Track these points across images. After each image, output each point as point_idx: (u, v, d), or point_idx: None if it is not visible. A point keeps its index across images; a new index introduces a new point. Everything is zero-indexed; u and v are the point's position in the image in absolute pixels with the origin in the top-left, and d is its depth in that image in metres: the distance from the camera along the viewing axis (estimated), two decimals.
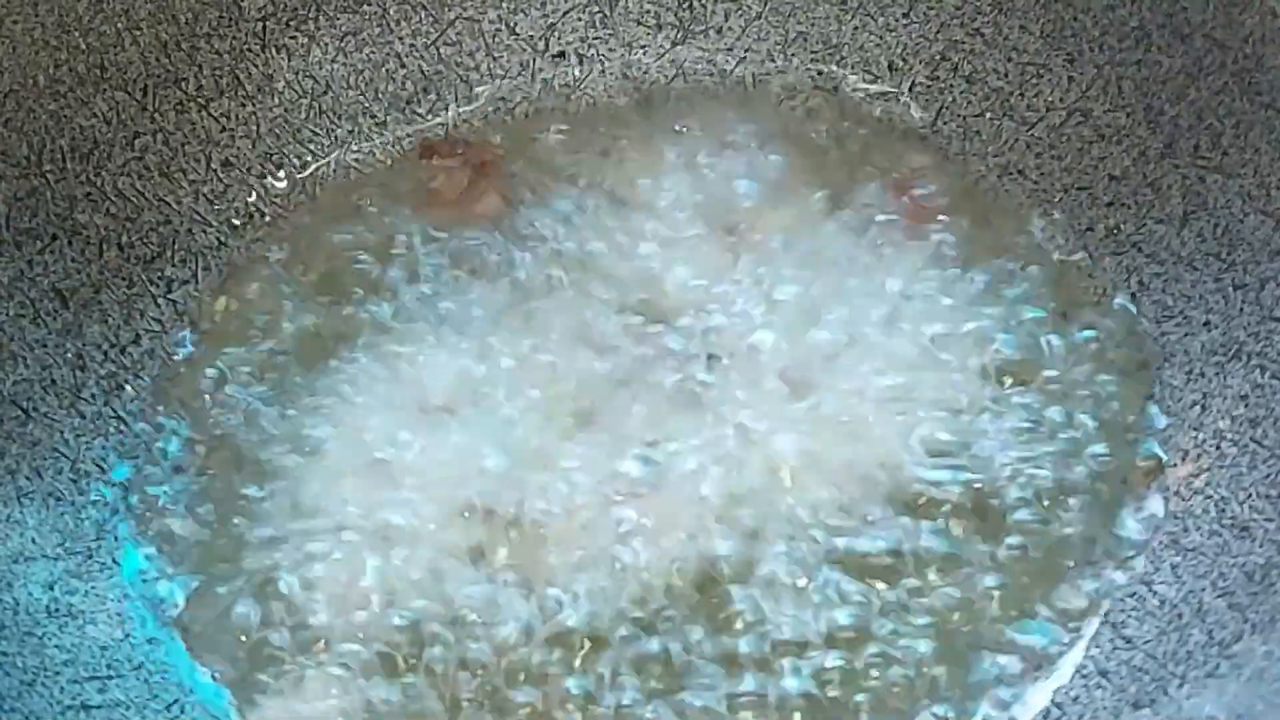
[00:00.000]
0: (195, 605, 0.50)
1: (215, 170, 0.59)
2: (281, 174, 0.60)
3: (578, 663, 0.48)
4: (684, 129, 0.61)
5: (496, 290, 0.56)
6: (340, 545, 0.50)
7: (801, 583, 0.49)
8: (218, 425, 0.54)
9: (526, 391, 0.53)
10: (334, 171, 0.61)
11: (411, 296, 0.56)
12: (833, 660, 0.48)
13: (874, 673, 0.47)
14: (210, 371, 0.55)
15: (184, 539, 0.52)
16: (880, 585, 0.49)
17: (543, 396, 0.53)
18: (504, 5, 0.63)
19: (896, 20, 0.61)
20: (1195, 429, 0.51)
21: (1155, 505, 0.50)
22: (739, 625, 0.48)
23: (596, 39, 0.63)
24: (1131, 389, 0.53)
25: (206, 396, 0.55)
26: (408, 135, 0.62)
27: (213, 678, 0.49)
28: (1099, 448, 0.51)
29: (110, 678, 0.48)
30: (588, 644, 0.48)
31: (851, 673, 0.47)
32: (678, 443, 0.52)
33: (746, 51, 0.63)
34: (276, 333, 0.56)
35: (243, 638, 0.49)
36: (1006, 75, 0.60)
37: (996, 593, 0.49)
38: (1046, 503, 0.50)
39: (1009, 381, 0.53)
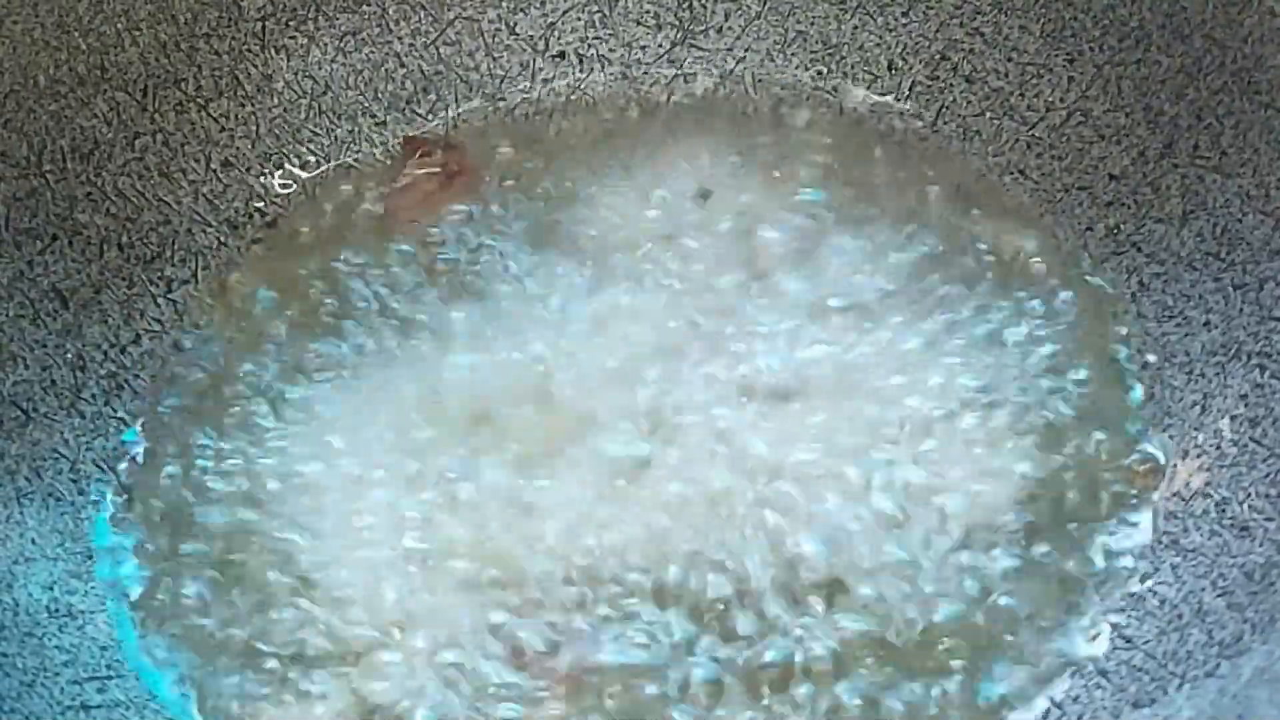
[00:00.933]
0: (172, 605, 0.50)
1: (215, 170, 0.59)
2: (281, 174, 0.60)
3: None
4: (683, 130, 0.61)
5: (487, 299, 0.56)
6: (342, 555, 0.50)
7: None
8: (217, 426, 0.54)
9: (516, 409, 0.53)
10: (334, 171, 0.61)
11: (407, 301, 0.56)
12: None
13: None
14: (207, 373, 0.55)
15: (174, 542, 0.52)
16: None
17: (531, 413, 0.53)
18: (504, 5, 0.63)
19: (896, 20, 0.61)
20: (1195, 429, 0.51)
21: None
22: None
23: (596, 39, 0.63)
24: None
25: (205, 397, 0.55)
26: (408, 135, 0.62)
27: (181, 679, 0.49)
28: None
29: (110, 678, 0.48)
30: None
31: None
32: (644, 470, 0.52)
33: (746, 51, 0.63)
34: (276, 333, 0.56)
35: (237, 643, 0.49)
36: (1006, 75, 0.60)
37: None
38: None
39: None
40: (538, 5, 0.63)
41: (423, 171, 0.60)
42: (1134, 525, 0.50)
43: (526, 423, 0.53)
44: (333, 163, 0.61)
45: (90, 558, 0.51)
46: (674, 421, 0.52)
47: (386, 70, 0.62)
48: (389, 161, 0.61)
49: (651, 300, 0.56)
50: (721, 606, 0.49)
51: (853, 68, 0.62)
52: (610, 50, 0.63)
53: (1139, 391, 0.53)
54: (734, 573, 0.49)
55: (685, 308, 0.55)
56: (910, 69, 0.61)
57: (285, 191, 0.60)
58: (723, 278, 0.56)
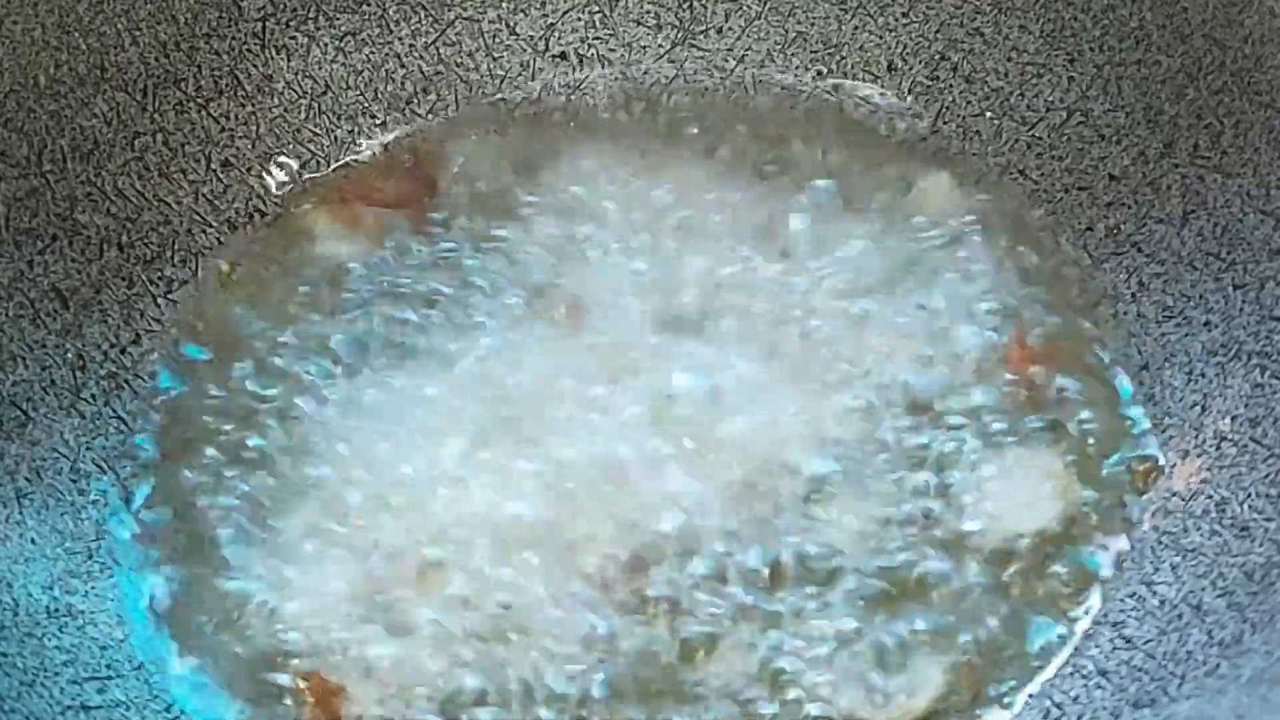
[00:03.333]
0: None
1: (215, 170, 0.59)
2: (281, 174, 0.60)
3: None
4: (683, 130, 0.61)
5: (486, 299, 0.56)
6: (346, 560, 0.51)
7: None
8: (217, 429, 0.54)
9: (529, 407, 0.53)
10: (334, 172, 0.61)
11: (408, 302, 0.56)
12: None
13: None
14: (209, 373, 0.55)
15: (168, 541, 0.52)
16: None
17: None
18: (504, 5, 0.63)
19: (896, 20, 0.61)
20: (1195, 429, 0.51)
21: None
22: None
23: (596, 39, 0.63)
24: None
25: (205, 398, 0.55)
26: (407, 135, 0.62)
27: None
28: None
29: (110, 678, 0.48)
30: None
31: None
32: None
33: (746, 51, 0.63)
34: (276, 335, 0.56)
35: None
36: (1006, 75, 0.60)
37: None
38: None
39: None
40: (538, 5, 0.63)
41: (416, 173, 0.60)
42: (1133, 525, 0.50)
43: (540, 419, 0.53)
44: (333, 163, 0.61)
45: (90, 557, 0.51)
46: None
47: (386, 70, 0.62)
48: (385, 162, 0.61)
49: (649, 299, 0.56)
50: None
51: (853, 68, 0.62)
52: (610, 50, 0.63)
53: (1138, 392, 0.53)
54: None
55: (681, 306, 0.55)
56: (910, 69, 0.61)
57: (285, 191, 0.60)
58: (721, 276, 0.56)
